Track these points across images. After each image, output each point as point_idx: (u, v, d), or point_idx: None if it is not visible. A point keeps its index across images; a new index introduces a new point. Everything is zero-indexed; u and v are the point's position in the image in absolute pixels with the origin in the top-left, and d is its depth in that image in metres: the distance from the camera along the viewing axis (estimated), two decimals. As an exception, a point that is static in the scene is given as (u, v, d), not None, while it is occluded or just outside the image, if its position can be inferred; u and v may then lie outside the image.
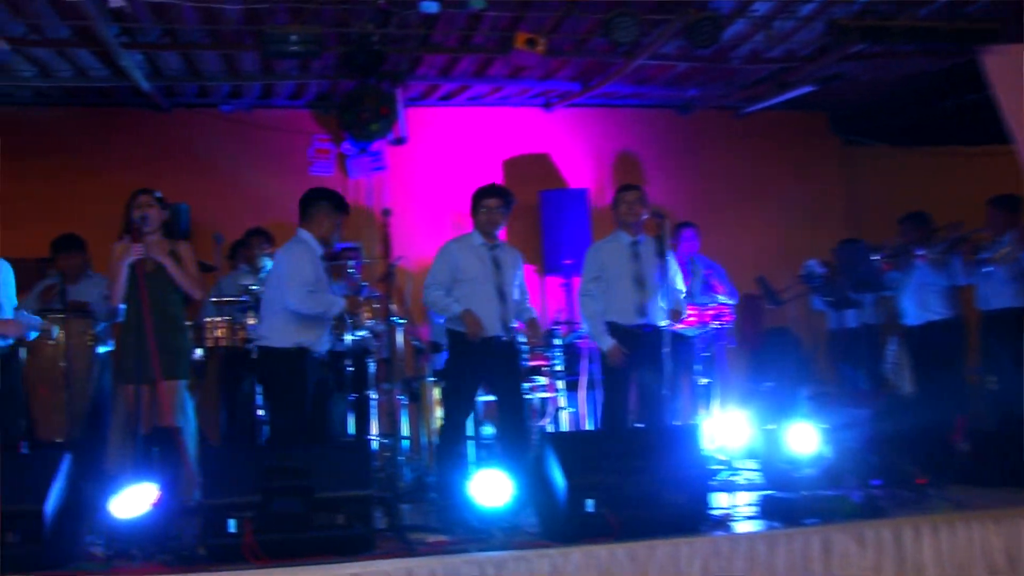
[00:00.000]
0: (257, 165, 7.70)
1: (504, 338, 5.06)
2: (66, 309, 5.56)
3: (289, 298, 4.77)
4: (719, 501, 4.67)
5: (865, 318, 6.78)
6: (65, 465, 3.94)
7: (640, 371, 5.22)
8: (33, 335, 5.18)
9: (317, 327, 4.88)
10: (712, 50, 6.31)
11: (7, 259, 6.85)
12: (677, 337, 5.72)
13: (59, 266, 6.16)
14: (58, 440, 5.46)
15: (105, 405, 5.79)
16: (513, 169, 8.08)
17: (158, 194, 4.97)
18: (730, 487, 5.11)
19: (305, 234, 5.00)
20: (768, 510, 4.21)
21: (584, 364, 6.51)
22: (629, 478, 3.88)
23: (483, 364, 5.01)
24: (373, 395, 5.82)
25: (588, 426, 6.39)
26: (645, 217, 5.43)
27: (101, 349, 5.91)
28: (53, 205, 7.24)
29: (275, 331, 4.84)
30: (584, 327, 5.57)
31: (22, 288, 6.29)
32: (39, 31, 6.10)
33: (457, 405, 5.09)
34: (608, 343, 5.21)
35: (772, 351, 7.40)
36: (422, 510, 4.86)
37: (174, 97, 7.59)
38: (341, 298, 4.97)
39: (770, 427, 5.02)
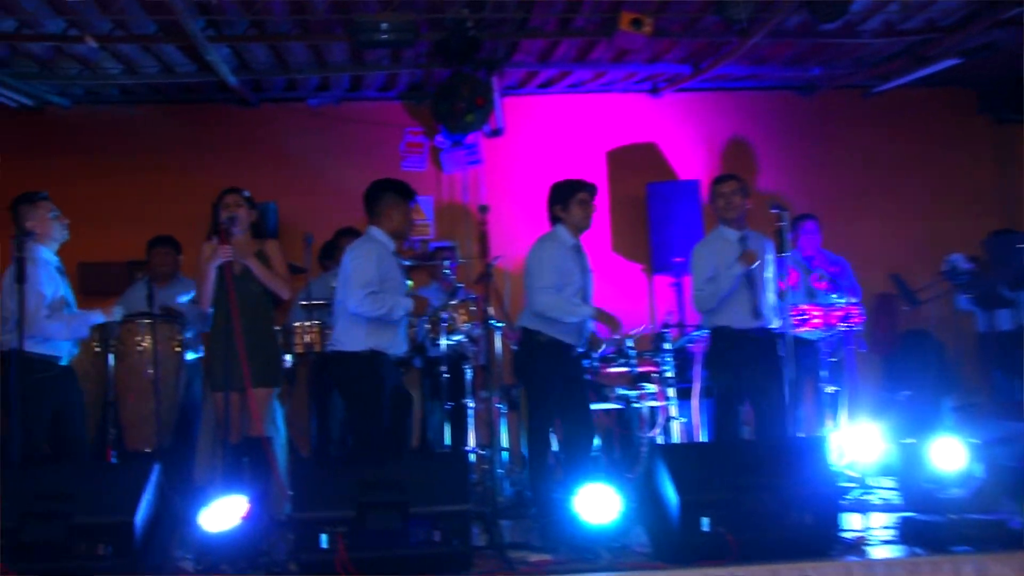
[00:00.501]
0: (347, 161, 7.86)
1: (580, 348, 5.13)
2: (154, 314, 5.76)
3: (349, 300, 4.86)
4: (851, 522, 4.53)
5: (1021, 319, 6.49)
6: (154, 476, 4.08)
7: (756, 378, 5.12)
8: (118, 314, 5.28)
9: (390, 329, 4.90)
10: (839, 24, 6.12)
11: (95, 262, 7.25)
12: (800, 341, 5.58)
13: (152, 264, 6.43)
14: (147, 450, 5.68)
15: (194, 414, 6.00)
16: (618, 160, 8.02)
17: (246, 193, 5.11)
18: (863, 507, 4.96)
19: (375, 231, 5.06)
20: (909, 534, 4.07)
21: (697, 370, 6.39)
22: (749, 495, 3.80)
23: (564, 374, 5.04)
24: (470, 403, 5.85)
25: (702, 437, 6.29)
26: (748, 209, 5.33)
27: (190, 355, 6.13)
28: (139, 206, 7.55)
29: (346, 335, 4.90)
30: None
31: (112, 292, 6.62)
32: (125, 27, 6.37)
33: (546, 416, 5.07)
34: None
35: (909, 356, 7.13)
36: (523, 527, 4.85)
37: (261, 92, 7.82)
38: (407, 298, 4.96)
39: (909, 441, 4.84)
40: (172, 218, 7.12)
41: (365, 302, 4.81)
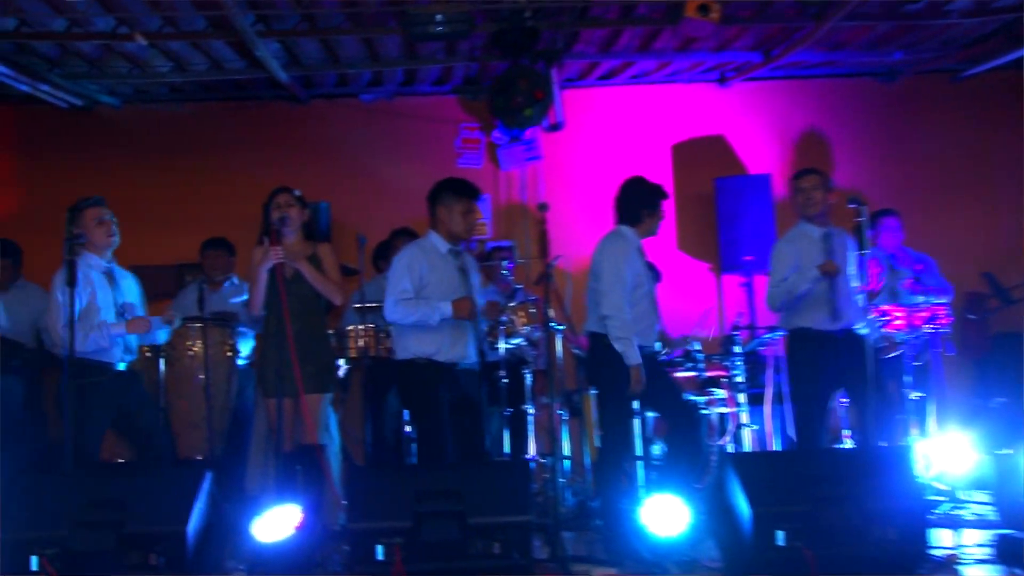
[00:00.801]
0: (401, 158, 7.91)
1: (659, 350, 5.13)
2: (205, 318, 5.86)
3: (384, 308, 4.94)
4: (940, 539, 4.45)
5: None
6: (206, 484, 4.14)
7: (840, 383, 5.03)
8: (164, 335, 5.44)
9: (437, 336, 4.89)
10: (924, 4, 5.98)
11: (144, 265, 7.38)
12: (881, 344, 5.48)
13: (205, 266, 6.55)
14: (198, 457, 5.78)
15: (246, 420, 6.08)
16: (684, 154, 7.95)
17: (297, 192, 5.16)
18: (954, 523, 4.87)
19: (431, 234, 5.10)
20: (1006, 553, 3.98)
21: (769, 374, 6.31)
22: (827, 508, 3.74)
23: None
24: (530, 410, 5.84)
25: (775, 446, 6.19)
26: (830, 204, 5.25)
27: (242, 360, 6.22)
28: (189, 207, 7.70)
29: (396, 342, 5.01)
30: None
31: (163, 296, 6.76)
32: (174, 24, 6.49)
33: (618, 421, 5.06)
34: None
35: (1002, 360, 6.93)
36: (586, 539, 4.84)
37: (312, 88, 7.91)
38: (446, 303, 4.92)
39: (1003, 452, 4.71)
40: (223, 219, 7.24)
41: (395, 309, 4.89)
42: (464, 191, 5.08)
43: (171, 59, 7.10)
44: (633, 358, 4.87)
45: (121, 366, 5.13)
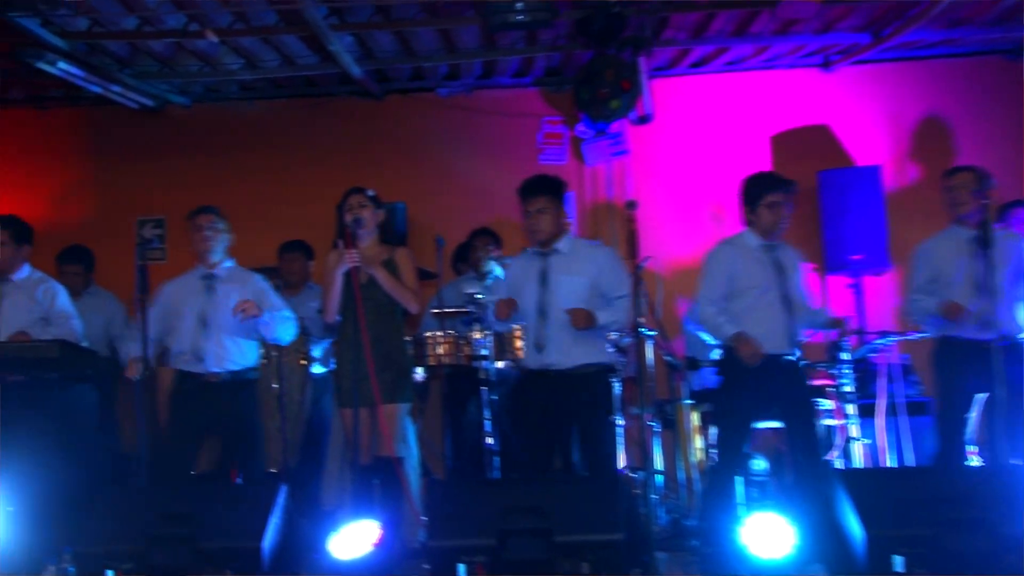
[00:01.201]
0: (480, 155, 7.96)
1: (790, 356, 5.03)
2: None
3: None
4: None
5: None
6: (281, 498, 4.21)
7: (988, 394, 4.94)
8: (288, 332, 5.50)
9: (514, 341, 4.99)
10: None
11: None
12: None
13: (281, 271, 6.68)
14: (272, 470, 5.88)
15: (322, 432, 6.18)
16: (784, 146, 7.81)
17: (371, 193, 5.21)
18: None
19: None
20: None
21: (882, 384, 6.16)
22: (953, 532, 3.63)
23: (765, 388, 4.95)
24: (619, 420, 5.80)
25: (890, 462, 6.04)
26: (986, 204, 5.12)
27: (317, 370, 6.32)
28: (263, 208, 7.83)
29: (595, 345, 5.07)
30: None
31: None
32: (245, 19, 6.63)
33: (733, 437, 5.03)
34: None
35: None
36: (681, 559, 4.81)
37: (387, 82, 8.00)
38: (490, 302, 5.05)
39: None
40: (297, 221, 7.36)
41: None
42: (538, 189, 5.09)
43: (242, 56, 7.26)
44: (725, 330, 5.00)
45: (220, 375, 5.26)
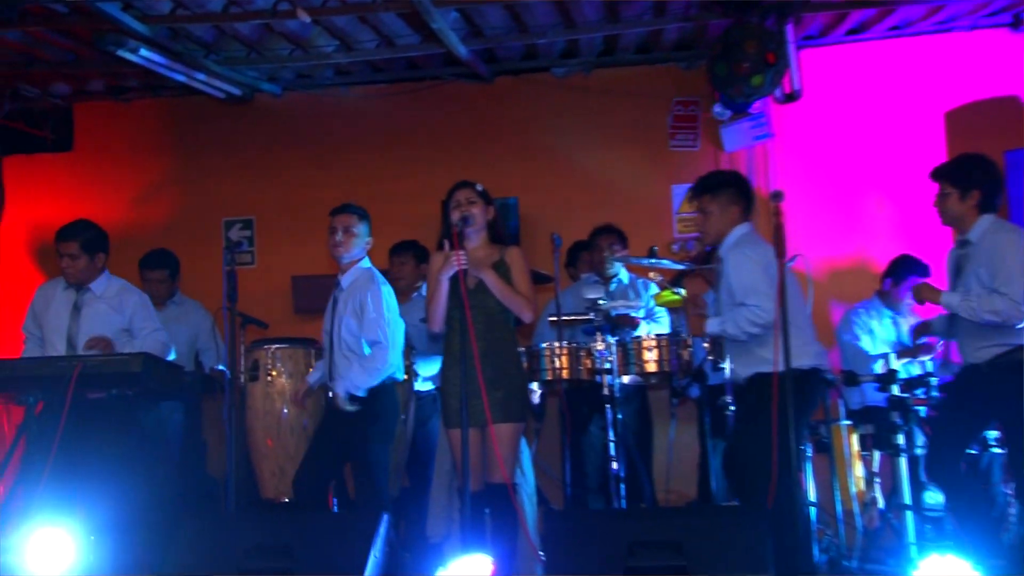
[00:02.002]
0: (601, 142, 7.96)
1: None
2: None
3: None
4: None
5: None
6: (383, 529, 4.27)
7: None
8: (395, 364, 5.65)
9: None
10: None
11: (313, 276, 7.73)
12: None
13: (393, 274, 6.78)
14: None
15: (428, 455, 6.24)
16: (962, 122, 7.57)
17: (480, 187, 5.22)
18: None
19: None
20: None
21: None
22: None
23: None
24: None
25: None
26: None
27: (423, 386, 6.40)
28: (363, 205, 8.00)
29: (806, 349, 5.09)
30: None
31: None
32: (341, -4, 6.77)
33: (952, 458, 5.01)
34: None
35: None
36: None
37: (496, 63, 8.06)
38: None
39: None
40: (402, 219, 7.45)
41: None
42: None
43: (336, 37, 7.40)
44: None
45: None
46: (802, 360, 4.71)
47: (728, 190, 5.20)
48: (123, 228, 7.69)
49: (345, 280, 5.59)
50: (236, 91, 8.05)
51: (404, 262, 6.77)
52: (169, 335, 5.83)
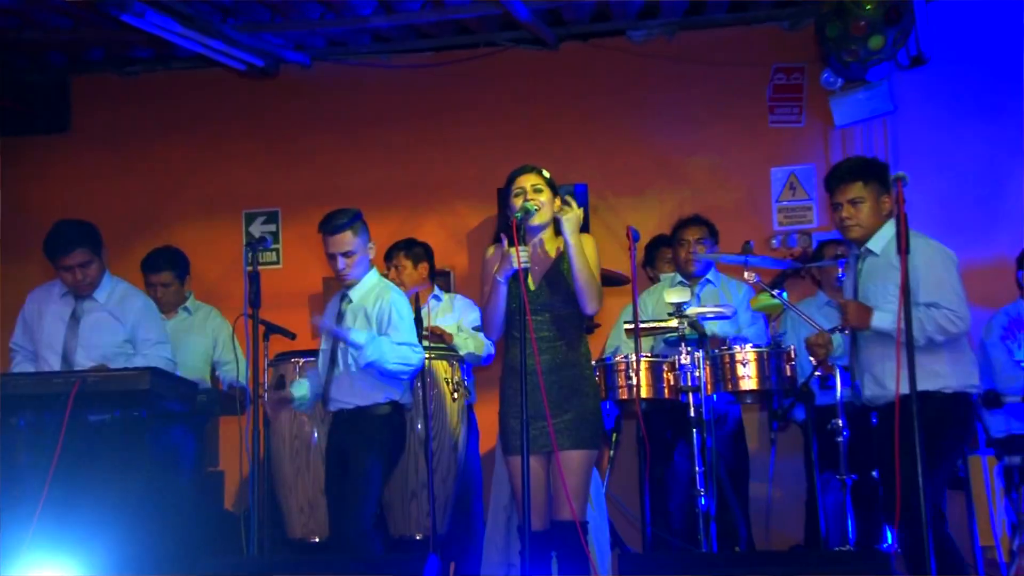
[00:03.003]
0: (686, 119, 7.95)
1: None
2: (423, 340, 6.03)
3: None
4: None
5: None
6: (431, 573, 4.28)
7: None
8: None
9: None
10: None
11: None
12: None
13: (437, 276, 6.82)
14: (418, 536, 5.98)
15: (482, 487, 6.26)
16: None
17: (546, 173, 5.21)
18: None
19: None
20: None
21: None
22: None
23: None
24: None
25: None
26: None
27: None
28: (403, 193, 8.07)
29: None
30: None
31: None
32: (379, -51, 6.81)
33: None
34: None
35: None
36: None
37: (562, 26, 8.03)
38: None
39: None
40: (448, 210, 7.48)
41: None
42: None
43: (376, -2, 7.43)
44: None
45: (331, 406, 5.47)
46: (970, 379, 4.73)
47: (883, 176, 5.18)
48: (126, 222, 7.78)
49: (355, 293, 5.61)
50: (258, 61, 8.09)
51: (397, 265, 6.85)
52: (178, 348, 5.88)
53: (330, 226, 5.48)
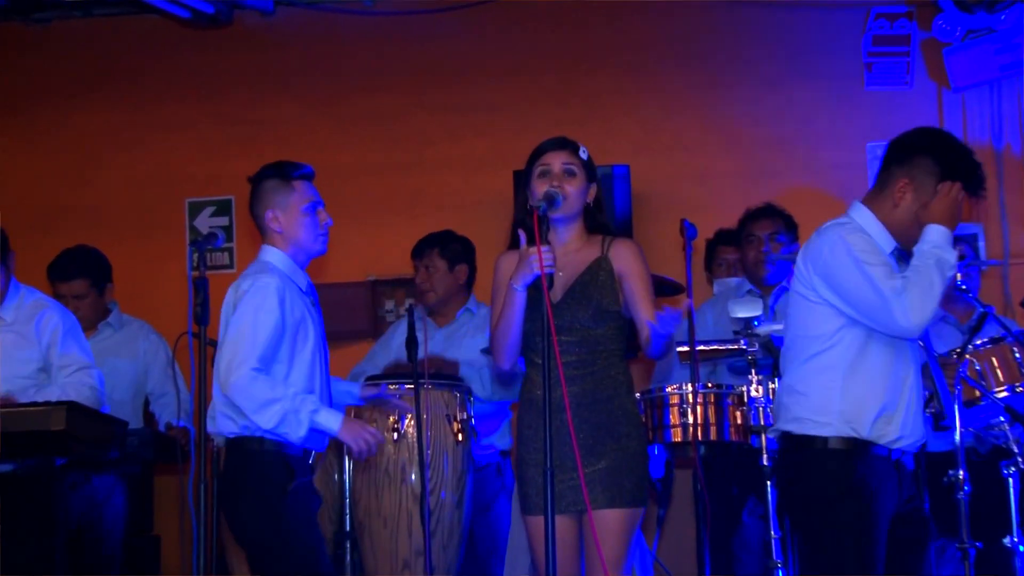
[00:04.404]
0: (759, 79, 7.99)
1: None
2: (421, 375, 5.96)
3: None
4: None
5: None
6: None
7: None
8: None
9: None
10: None
11: (324, 284, 7.78)
12: None
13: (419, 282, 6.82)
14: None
15: (492, 552, 6.28)
16: None
17: (582, 151, 5.22)
18: None
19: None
20: None
21: None
22: None
23: None
24: (1011, 542, 5.67)
25: None
26: None
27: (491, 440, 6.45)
28: (387, 174, 8.13)
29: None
30: None
31: (351, 335, 7.05)
32: None
33: None
34: None
35: None
36: None
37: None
38: None
39: None
40: (447, 197, 7.50)
41: None
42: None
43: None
44: None
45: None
46: None
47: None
48: (29, 213, 7.76)
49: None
50: (207, 7, 8.10)
51: (436, 265, 6.84)
52: (103, 374, 5.90)
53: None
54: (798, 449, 4.76)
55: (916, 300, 4.52)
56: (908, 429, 4.77)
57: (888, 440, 4.71)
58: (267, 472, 4.98)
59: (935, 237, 4.62)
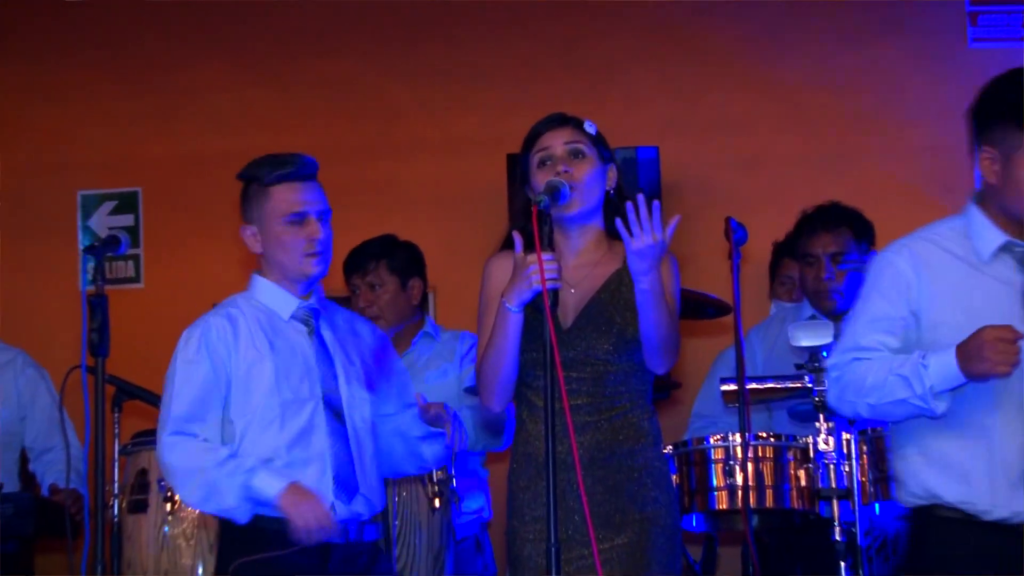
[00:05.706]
0: (830, 36, 8.02)
1: None
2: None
3: None
4: None
5: None
6: None
7: None
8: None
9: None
10: None
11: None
12: None
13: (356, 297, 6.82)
14: None
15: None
16: None
17: (590, 126, 5.20)
18: None
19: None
20: None
21: None
22: None
23: None
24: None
25: None
26: None
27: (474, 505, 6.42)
28: (350, 163, 8.03)
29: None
30: None
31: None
32: None
33: None
34: None
35: None
36: None
37: None
38: None
39: None
40: (417, 190, 7.51)
41: None
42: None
43: None
44: None
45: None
46: None
47: None
48: None
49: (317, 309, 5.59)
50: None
51: (387, 280, 6.88)
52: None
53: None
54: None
55: (837, 390, 4.65)
56: None
57: None
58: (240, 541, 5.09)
59: (939, 372, 4.44)
